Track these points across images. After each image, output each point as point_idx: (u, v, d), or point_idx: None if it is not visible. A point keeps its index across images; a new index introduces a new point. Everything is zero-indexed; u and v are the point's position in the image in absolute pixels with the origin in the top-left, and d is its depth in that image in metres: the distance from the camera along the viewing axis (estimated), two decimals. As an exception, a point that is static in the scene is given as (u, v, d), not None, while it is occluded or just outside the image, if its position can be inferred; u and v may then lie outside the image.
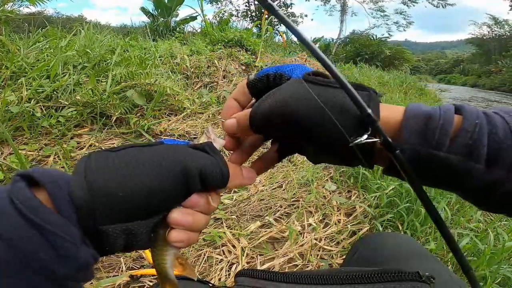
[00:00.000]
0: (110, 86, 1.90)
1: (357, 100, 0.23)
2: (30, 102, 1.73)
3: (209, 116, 2.51)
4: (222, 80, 3.08)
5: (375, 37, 16.63)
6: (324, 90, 0.27)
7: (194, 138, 2.07)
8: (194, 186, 0.25)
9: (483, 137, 0.22)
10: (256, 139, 0.34)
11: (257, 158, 0.35)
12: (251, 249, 1.15)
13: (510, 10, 30.06)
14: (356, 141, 0.26)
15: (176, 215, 0.25)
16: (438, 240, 1.11)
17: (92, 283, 0.91)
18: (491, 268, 0.97)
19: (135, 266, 1.04)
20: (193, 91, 2.80)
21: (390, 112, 0.26)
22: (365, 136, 0.26)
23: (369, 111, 0.23)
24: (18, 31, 3.30)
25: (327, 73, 0.26)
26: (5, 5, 2.63)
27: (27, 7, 2.85)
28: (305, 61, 4.99)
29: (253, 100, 0.35)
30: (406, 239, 0.52)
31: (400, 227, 1.25)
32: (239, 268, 1.06)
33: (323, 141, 0.27)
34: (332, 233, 1.25)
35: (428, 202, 0.25)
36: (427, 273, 0.31)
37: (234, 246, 1.15)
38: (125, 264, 1.03)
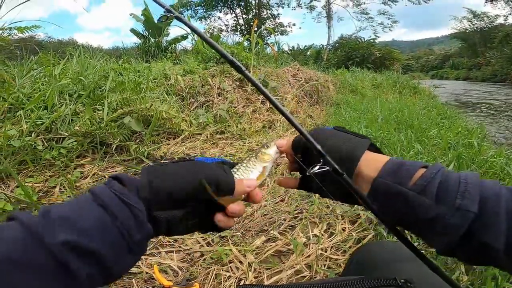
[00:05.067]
0: (107, 114, 1.94)
1: (310, 141, 0.34)
2: (31, 135, 1.76)
3: (207, 137, 2.53)
4: (217, 98, 3.12)
5: (363, 40, 16.85)
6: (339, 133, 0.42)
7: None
8: (211, 190, 0.38)
9: (435, 181, 0.31)
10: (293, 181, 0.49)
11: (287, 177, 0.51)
12: (258, 264, 1.16)
13: (486, 2, 30.51)
14: (312, 171, 0.38)
15: (220, 218, 0.39)
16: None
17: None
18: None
19: (147, 287, 1.05)
20: (190, 111, 2.84)
21: (382, 157, 0.39)
22: (317, 167, 0.38)
23: (319, 147, 0.33)
24: (11, 58, 3.29)
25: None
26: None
27: (16, 35, 2.89)
28: (297, 70, 5.08)
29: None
30: (401, 246, 0.55)
31: (407, 232, 1.26)
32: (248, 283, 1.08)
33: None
34: (337, 242, 1.27)
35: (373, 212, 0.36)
36: (403, 279, 0.35)
37: (241, 262, 1.17)
38: (137, 285, 1.05)
